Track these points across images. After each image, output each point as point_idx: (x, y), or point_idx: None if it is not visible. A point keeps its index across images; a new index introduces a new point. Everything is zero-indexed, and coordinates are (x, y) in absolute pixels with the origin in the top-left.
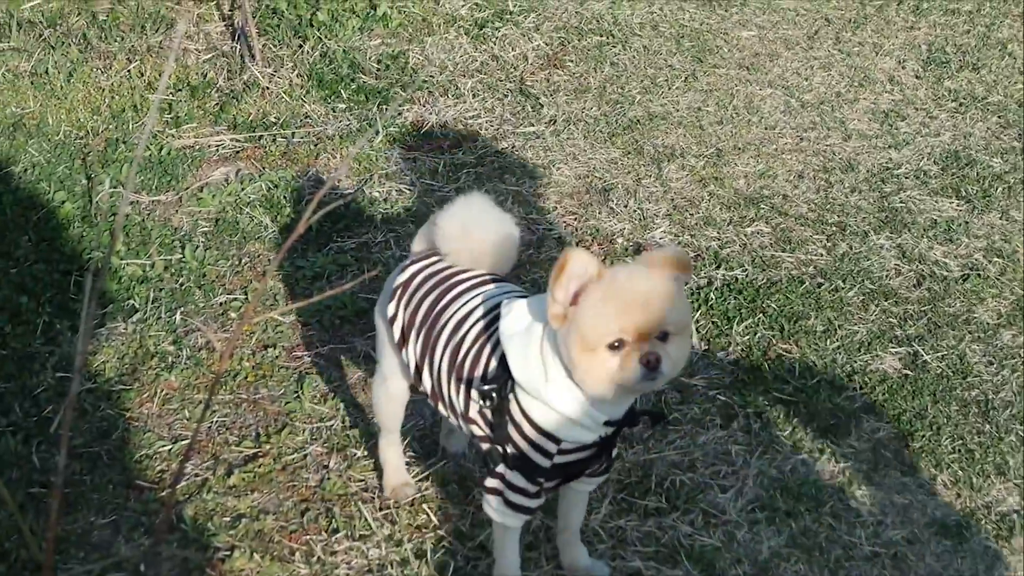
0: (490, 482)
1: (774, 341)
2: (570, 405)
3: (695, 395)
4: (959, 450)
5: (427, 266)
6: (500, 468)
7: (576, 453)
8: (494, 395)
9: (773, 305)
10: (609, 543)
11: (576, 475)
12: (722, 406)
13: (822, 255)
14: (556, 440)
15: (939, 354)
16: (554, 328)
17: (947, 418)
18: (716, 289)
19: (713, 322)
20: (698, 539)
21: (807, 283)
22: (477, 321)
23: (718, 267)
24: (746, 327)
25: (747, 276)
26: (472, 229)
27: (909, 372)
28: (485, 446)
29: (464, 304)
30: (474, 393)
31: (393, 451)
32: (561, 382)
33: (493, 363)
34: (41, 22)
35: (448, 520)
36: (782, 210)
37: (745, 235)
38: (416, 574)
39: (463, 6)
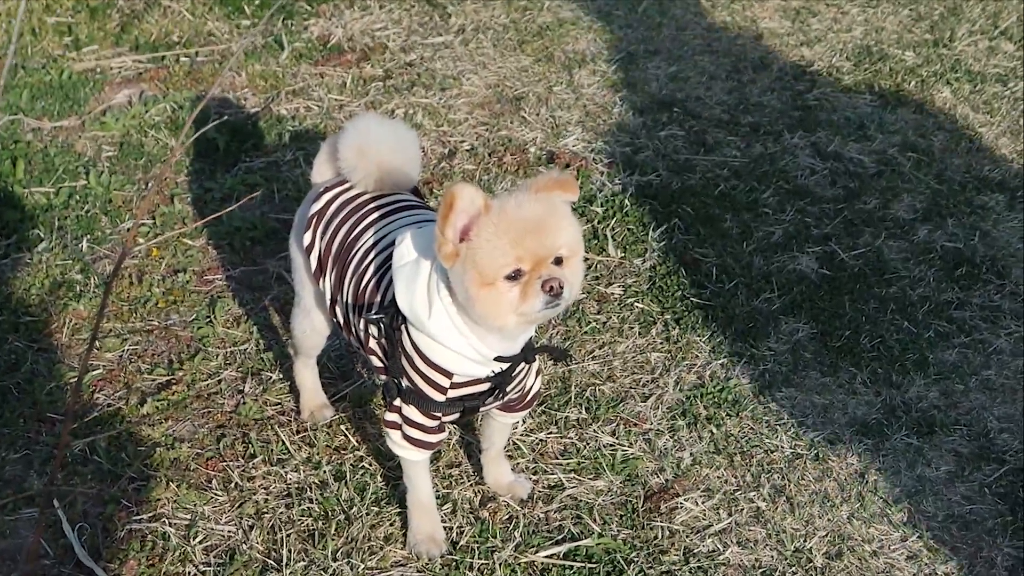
0: (388, 416)
1: (690, 246)
2: (454, 339)
3: (613, 303)
4: (878, 348)
5: (341, 193)
6: (397, 402)
7: (470, 387)
8: (381, 325)
9: (688, 209)
10: (530, 457)
11: (474, 409)
12: (640, 313)
13: (736, 157)
14: (447, 374)
15: (855, 252)
16: (446, 266)
17: (865, 316)
18: (631, 195)
19: (628, 229)
20: (619, 448)
21: (722, 186)
22: (382, 251)
23: (632, 173)
24: (662, 233)
25: (661, 181)
26: (367, 150)
27: (826, 272)
28: (383, 378)
29: (375, 233)
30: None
31: (309, 373)
32: (443, 316)
33: (390, 294)
34: None
35: (366, 440)
36: (695, 113)
37: (659, 139)
38: (336, 496)
39: None
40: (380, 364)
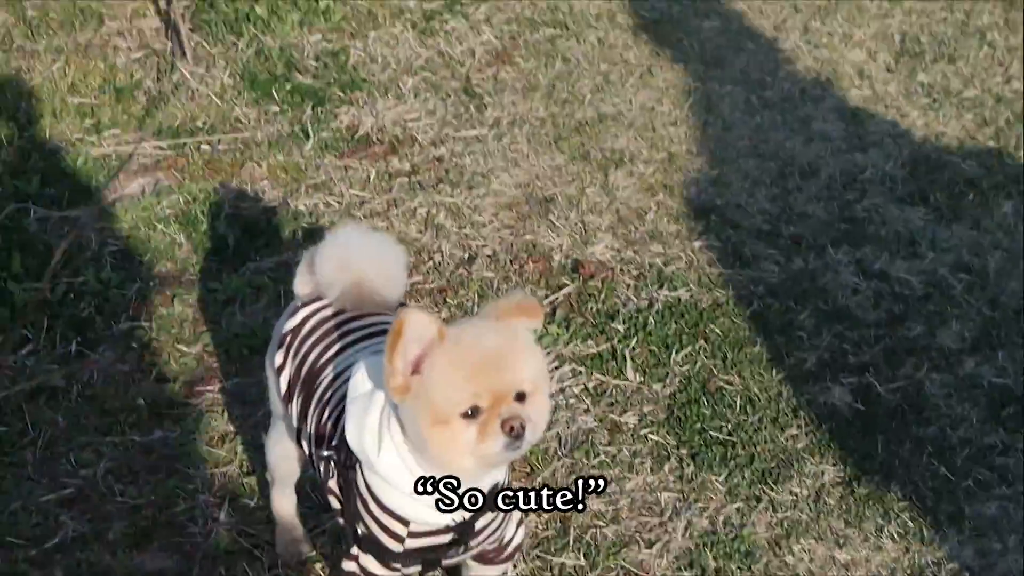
0: (346, 565)
1: (715, 372)
2: (405, 481)
3: (626, 434)
4: (910, 497)
5: (318, 310)
6: (354, 550)
7: (430, 537)
8: (332, 463)
9: (717, 330)
10: None
11: (436, 562)
12: (654, 447)
13: (774, 271)
14: (403, 521)
15: (893, 385)
16: (396, 401)
17: (898, 460)
18: (657, 312)
19: (651, 350)
20: None
21: (755, 304)
22: (347, 380)
23: (661, 287)
24: (686, 355)
25: (692, 297)
26: (347, 265)
27: (860, 407)
28: (341, 522)
29: (344, 359)
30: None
31: (286, 503)
32: (394, 454)
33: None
34: None
35: None
36: (734, 222)
37: (692, 250)
38: None
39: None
40: (338, 506)
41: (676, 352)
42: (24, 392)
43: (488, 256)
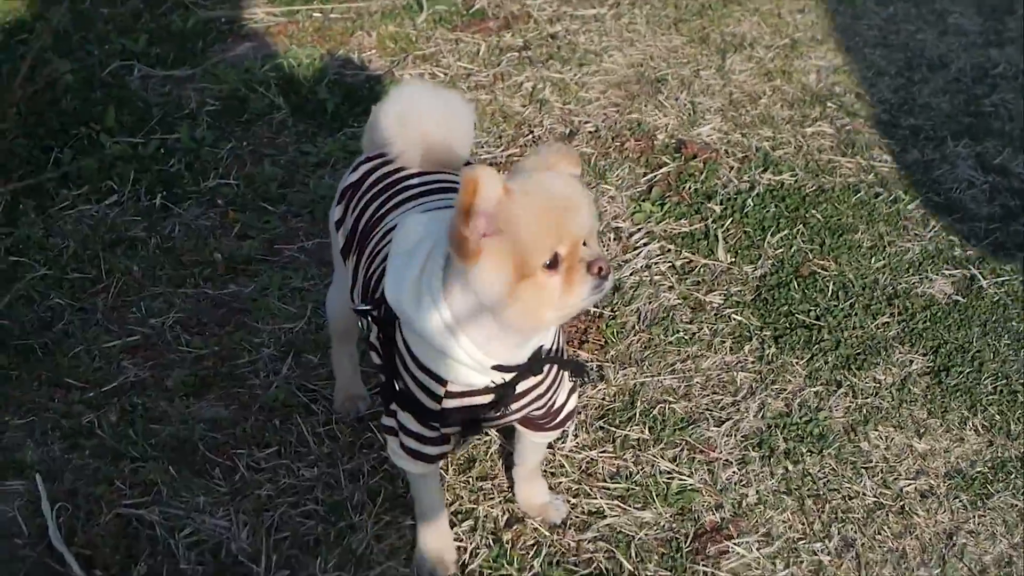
0: (385, 421)
1: (811, 256)
2: (444, 339)
3: (709, 313)
4: (1001, 391)
5: (379, 166)
6: (393, 406)
7: (468, 397)
8: (369, 319)
9: (818, 215)
10: (575, 476)
11: (476, 424)
12: (736, 327)
13: (887, 161)
14: (441, 380)
15: (999, 279)
16: (466, 266)
17: (994, 353)
18: (757, 195)
19: (745, 231)
20: (677, 477)
21: (862, 192)
22: None
23: (765, 170)
24: (781, 238)
25: (796, 183)
26: (409, 120)
27: (961, 298)
28: (382, 378)
29: (398, 215)
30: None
31: (346, 360)
32: (435, 315)
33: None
34: None
35: None
36: (852, 110)
37: (803, 136)
38: (346, 499)
39: None
40: (378, 361)
41: (772, 235)
42: (104, 240)
43: (590, 132)
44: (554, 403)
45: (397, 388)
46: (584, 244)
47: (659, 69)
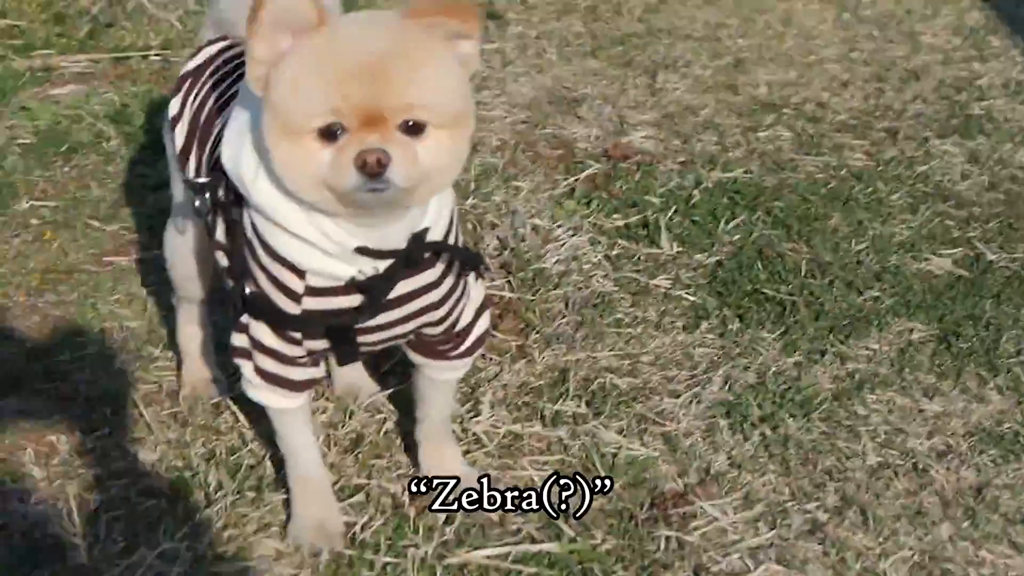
0: (235, 339)
1: (776, 240)
2: (291, 215)
3: (655, 296)
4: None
5: (223, 50)
6: (244, 318)
7: (332, 297)
8: (206, 195)
9: (781, 204)
10: (495, 451)
11: (344, 334)
12: (689, 308)
13: (861, 159)
14: (298, 272)
15: (1011, 255)
16: (256, 94)
17: (1014, 320)
18: (704, 188)
19: (693, 220)
20: (626, 449)
21: (833, 184)
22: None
23: (712, 168)
24: (737, 225)
25: (751, 178)
26: None
27: (965, 272)
28: (230, 284)
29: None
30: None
31: (194, 330)
32: (265, 175)
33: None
34: None
35: (262, 422)
36: (814, 117)
37: (757, 139)
38: (199, 478)
39: None
40: (225, 263)
41: (726, 223)
42: None
43: (495, 145)
44: (456, 320)
45: (248, 293)
46: (417, 131)
47: (575, 89)
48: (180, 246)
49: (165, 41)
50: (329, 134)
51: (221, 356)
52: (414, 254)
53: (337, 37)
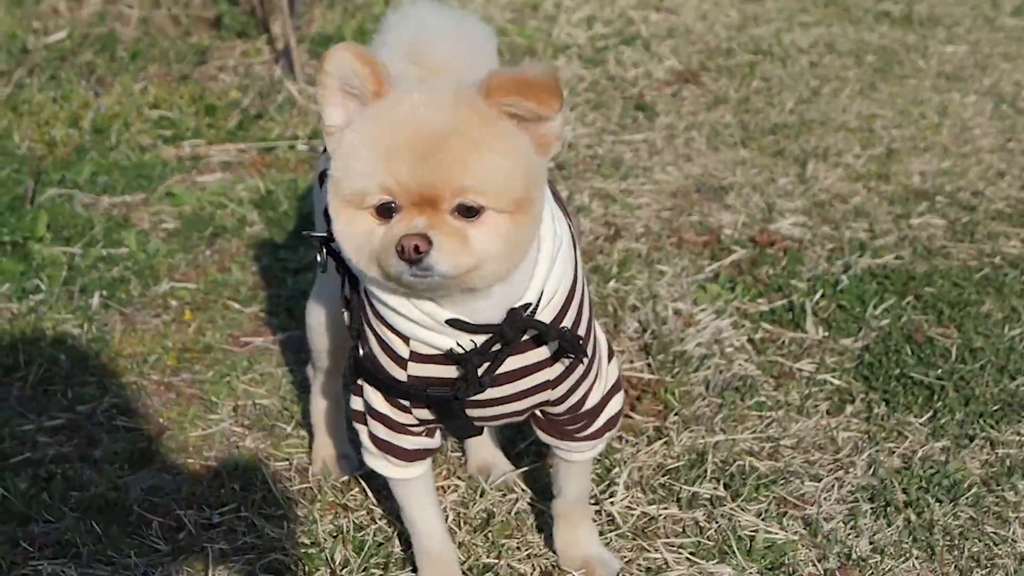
0: (353, 402)
1: (926, 325)
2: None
3: (799, 380)
4: None
5: None
6: (359, 380)
7: (435, 365)
8: (324, 250)
9: (932, 290)
10: (628, 534)
11: (447, 407)
12: (833, 391)
13: (1016, 247)
14: (404, 338)
15: None
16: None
17: None
18: (854, 275)
19: (840, 305)
20: (763, 532)
21: (987, 271)
22: None
23: (862, 255)
24: (886, 309)
25: (902, 264)
26: (423, 50)
27: None
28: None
29: None
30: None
31: (326, 404)
32: None
33: None
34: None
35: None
36: (969, 205)
37: (909, 226)
38: (326, 553)
39: (584, 32)
40: (348, 320)
41: (874, 307)
42: (24, 332)
43: (639, 232)
44: (581, 401)
45: (361, 353)
46: (472, 214)
47: (723, 178)
48: (321, 316)
49: (312, 132)
50: (385, 211)
51: (352, 434)
52: (508, 332)
53: (396, 109)
